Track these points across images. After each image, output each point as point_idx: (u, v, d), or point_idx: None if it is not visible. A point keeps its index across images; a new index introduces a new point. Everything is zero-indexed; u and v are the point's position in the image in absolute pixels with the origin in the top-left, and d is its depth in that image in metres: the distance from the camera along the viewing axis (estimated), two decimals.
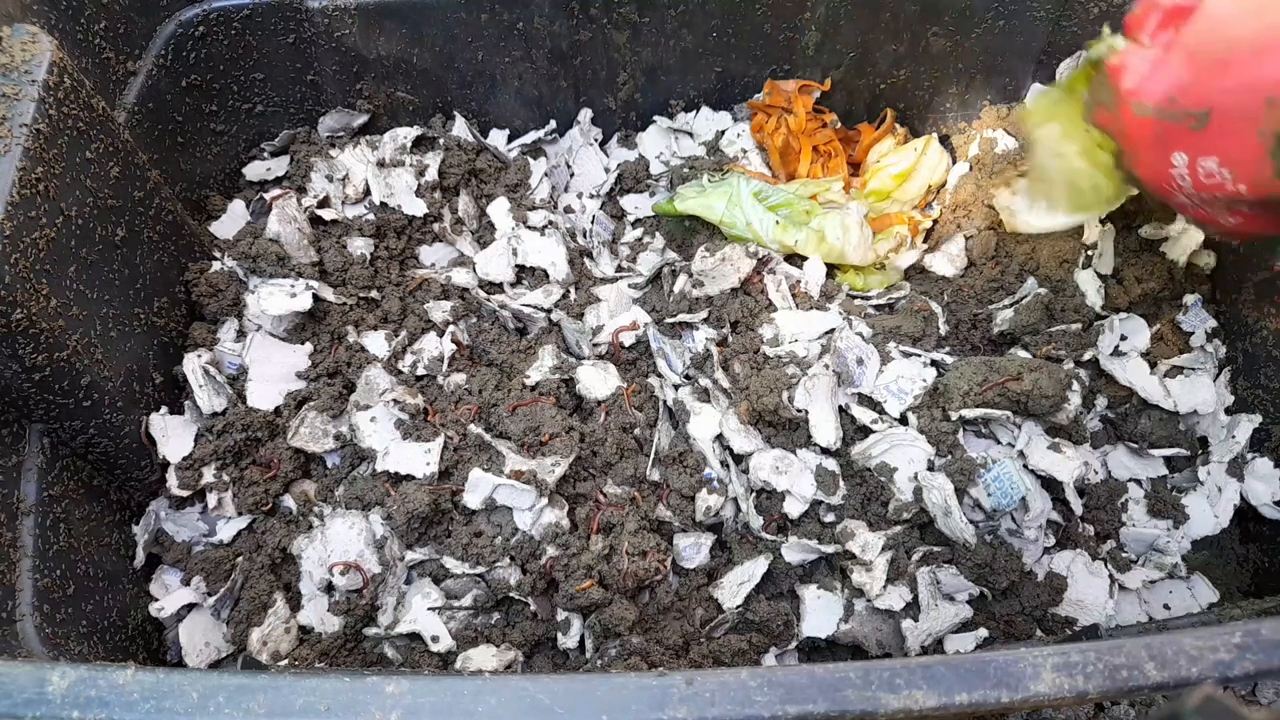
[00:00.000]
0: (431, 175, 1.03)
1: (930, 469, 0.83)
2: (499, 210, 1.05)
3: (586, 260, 1.05)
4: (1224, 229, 0.71)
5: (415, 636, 0.78)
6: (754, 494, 0.84)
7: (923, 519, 0.83)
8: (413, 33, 1.02)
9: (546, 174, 1.11)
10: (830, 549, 0.82)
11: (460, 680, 0.43)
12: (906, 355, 0.90)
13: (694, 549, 0.84)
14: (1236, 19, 0.63)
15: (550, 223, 1.04)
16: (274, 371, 0.88)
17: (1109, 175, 0.79)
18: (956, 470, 0.81)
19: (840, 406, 0.87)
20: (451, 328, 0.94)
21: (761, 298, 0.95)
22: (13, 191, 0.64)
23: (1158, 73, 0.68)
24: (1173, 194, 0.71)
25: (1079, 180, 0.81)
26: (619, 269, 1.05)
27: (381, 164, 1.05)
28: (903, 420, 0.87)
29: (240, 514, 0.83)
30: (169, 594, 0.80)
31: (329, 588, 0.79)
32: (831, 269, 1.01)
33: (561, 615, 0.80)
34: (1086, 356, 0.92)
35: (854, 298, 1.00)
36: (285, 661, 0.77)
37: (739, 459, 0.86)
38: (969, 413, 0.84)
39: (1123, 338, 0.94)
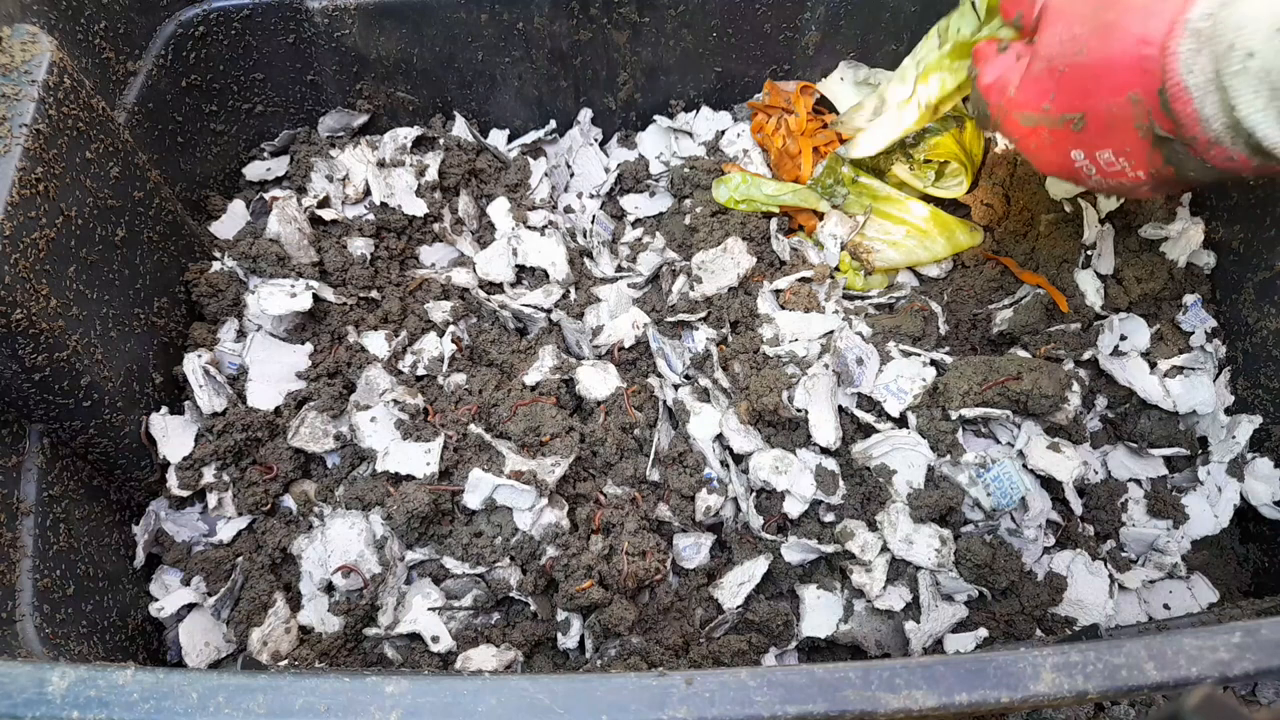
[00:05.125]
0: (431, 175, 1.03)
1: (929, 475, 0.83)
2: (499, 210, 1.05)
3: (586, 260, 1.05)
4: (1143, 196, 0.71)
5: (415, 636, 0.78)
6: (754, 494, 0.84)
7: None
8: (413, 33, 1.02)
9: (546, 174, 1.11)
10: (830, 549, 0.82)
11: (460, 680, 0.43)
12: (906, 355, 0.90)
13: (694, 549, 0.84)
14: (1080, 19, 0.62)
15: (550, 223, 1.04)
16: (274, 371, 0.88)
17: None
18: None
19: (840, 406, 0.87)
20: (451, 328, 0.94)
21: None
22: (13, 191, 0.64)
23: (1027, 85, 0.68)
24: (1084, 181, 0.71)
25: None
26: (619, 269, 1.05)
27: (381, 164, 1.05)
28: (902, 420, 0.87)
29: (240, 514, 0.83)
30: (169, 594, 0.80)
31: (329, 588, 0.79)
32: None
33: (561, 615, 0.80)
34: (1086, 356, 0.92)
35: (853, 298, 1.00)
36: (285, 661, 0.77)
37: (739, 459, 0.86)
38: (969, 412, 0.84)
39: (1122, 338, 0.94)
